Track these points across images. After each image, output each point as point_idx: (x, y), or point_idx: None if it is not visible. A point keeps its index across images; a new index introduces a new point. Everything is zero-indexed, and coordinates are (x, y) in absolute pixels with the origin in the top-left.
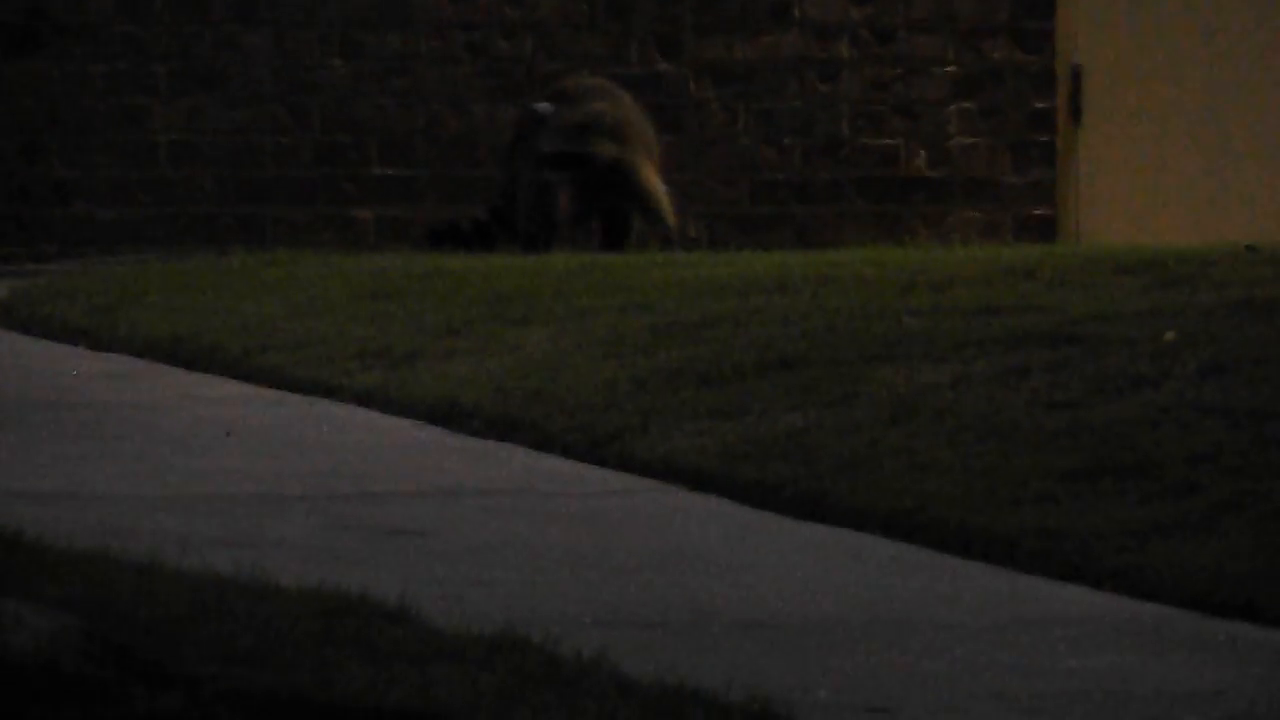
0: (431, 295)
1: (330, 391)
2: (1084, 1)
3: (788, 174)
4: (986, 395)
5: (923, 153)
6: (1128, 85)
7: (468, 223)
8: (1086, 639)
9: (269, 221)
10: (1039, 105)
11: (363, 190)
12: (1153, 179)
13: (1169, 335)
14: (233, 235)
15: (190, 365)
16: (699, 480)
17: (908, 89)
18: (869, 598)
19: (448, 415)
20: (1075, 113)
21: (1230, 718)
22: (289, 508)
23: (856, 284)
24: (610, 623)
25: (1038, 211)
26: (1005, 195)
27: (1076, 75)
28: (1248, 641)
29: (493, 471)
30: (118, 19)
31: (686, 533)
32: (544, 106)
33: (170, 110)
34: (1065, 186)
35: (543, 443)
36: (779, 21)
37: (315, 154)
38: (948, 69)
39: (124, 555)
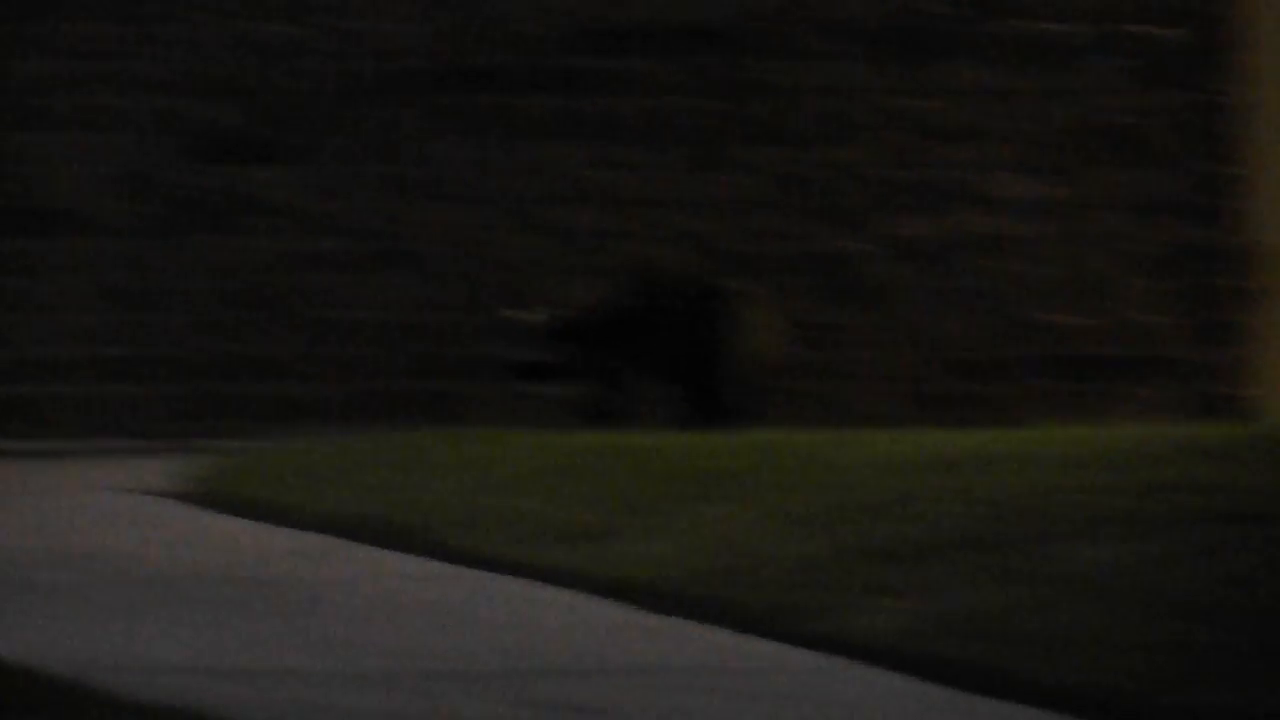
0: (620, 472)
1: (519, 569)
2: (1273, 180)
3: (974, 351)
4: (1171, 573)
5: (1109, 330)
6: None
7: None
8: None
9: (456, 398)
10: (1226, 283)
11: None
12: None
13: None
14: (419, 412)
15: (381, 542)
16: (883, 658)
17: (1095, 266)
18: None
19: (636, 592)
20: (1262, 291)
21: None
22: (477, 685)
23: (1041, 462)
24: None
25: (1224, 390)
26: (1192, 373)
27: (1263, 254)
28: None
29: (679, 649)
30: (300, 194)
31: (874, 712)
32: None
33: (361, 286)
34: (1253, 365)
35: (730, 620)
36: (965, 199)
37: (497, 331)
38: (1136, 246)
39: None
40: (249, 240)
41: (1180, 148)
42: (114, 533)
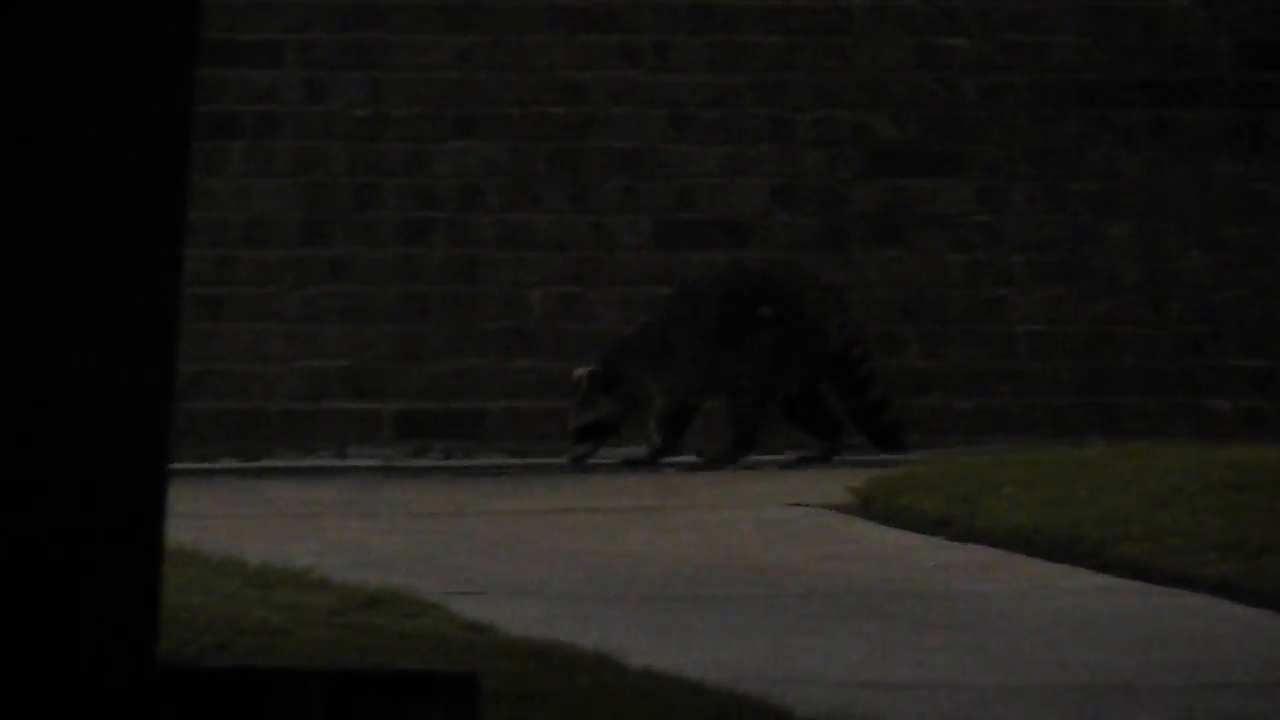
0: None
1: (1187, 582)
2: None
3: None
4: None
5: None
6: None
7: None
8: None
9: (1125, 412)
10: None
11: (1220, 381)
12: None
13: None
14: (1089, 426)
15: (1047, 556)
16: None
17: None
18: None
19: None
20: None
21: None
22: (1142, 699)
23: None
24: None
25: None
26: None
27: None
28: None
29: None
30: (972, 207)
31: None
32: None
33: (1029, 301)
34: None
35: None
36: None
37: (1174, 345)
38: None
39: None
40: (911, 253)
41: None
42: (783, 546)
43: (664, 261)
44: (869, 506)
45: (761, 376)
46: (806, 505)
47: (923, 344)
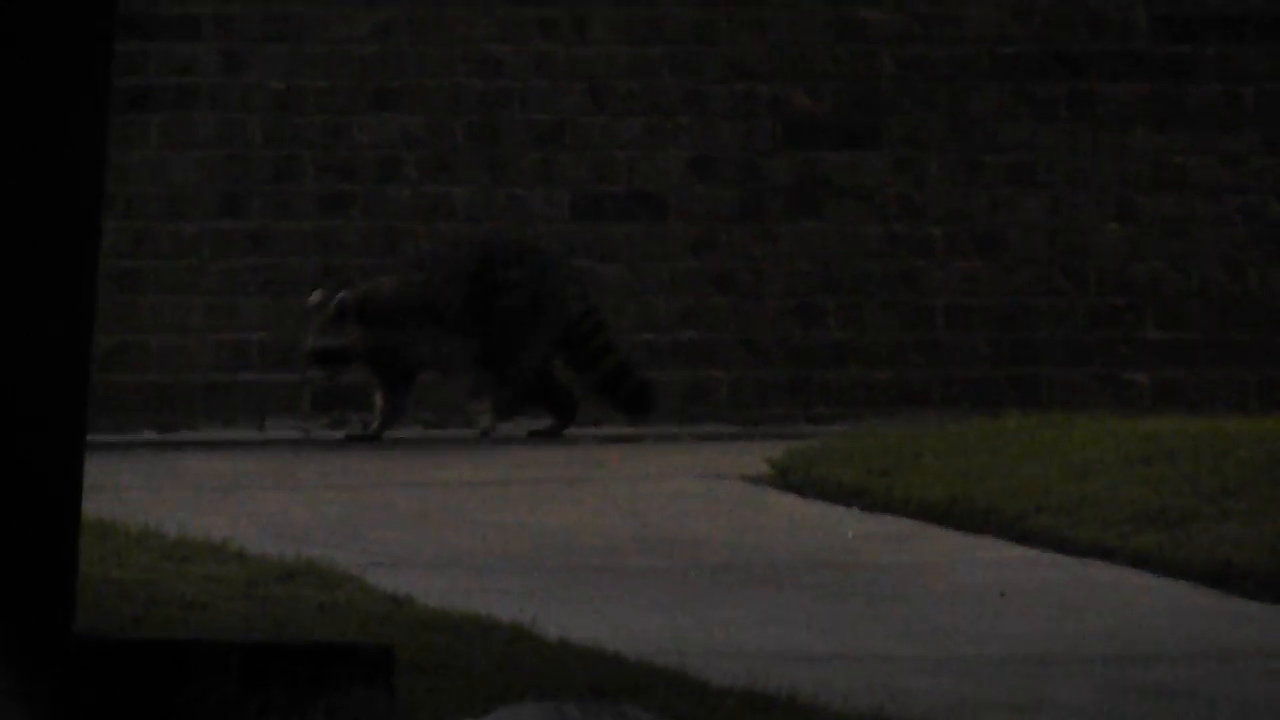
0: (1206, 457)
1: (1105, 554)
2: None
3: None
4: None
5: None
6: None
7: None
8: None
9: (1043, 384)
10: None
11: (1137, 353)
12: None
13: None
14: (1006, 398)
15: (964, 527)
16: None
17: None
18: None
19: (1222, 577)
20: None
21: None
22: (1063, 670)
23: None
24: None
25: None
26: None
27: None
28: None
29: (1266, 634)
30: (890, 179)
31: None
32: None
33: (946, 273)
34: None
35: None
36: None
37: (1090, 317)
38: None
39: (900, 717)
40: (829, 225)
41: None
42: (700, 518)
43: (582, 234)
44: (785, 477)
45: (514, 341)
46: (723, 477)
47: (840, 316)
